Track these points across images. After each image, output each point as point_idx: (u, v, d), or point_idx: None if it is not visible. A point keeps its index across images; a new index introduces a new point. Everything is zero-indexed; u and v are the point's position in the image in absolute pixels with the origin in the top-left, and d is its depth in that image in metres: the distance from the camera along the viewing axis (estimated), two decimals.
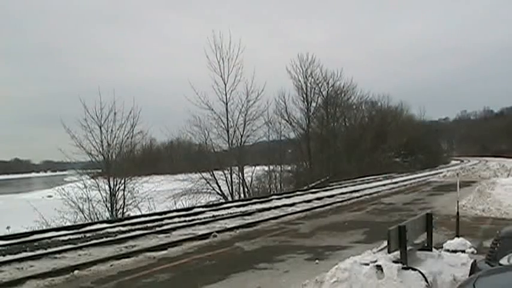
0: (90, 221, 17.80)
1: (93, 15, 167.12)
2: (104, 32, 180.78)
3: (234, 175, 27.57)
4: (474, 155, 79.51)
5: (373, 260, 5.05)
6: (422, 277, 4.65)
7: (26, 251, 9.93)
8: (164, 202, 24.43)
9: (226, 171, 27.40)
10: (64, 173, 51.91)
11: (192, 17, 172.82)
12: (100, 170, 22.81)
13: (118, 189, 21.28)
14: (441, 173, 34.90)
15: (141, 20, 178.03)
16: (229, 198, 25.78)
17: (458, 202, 10.21)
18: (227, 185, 27.16)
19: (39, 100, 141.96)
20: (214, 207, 18.21)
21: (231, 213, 16.14)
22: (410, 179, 32.51)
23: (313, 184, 31.30)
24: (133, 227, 13.27)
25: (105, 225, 13.78)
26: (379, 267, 4.83)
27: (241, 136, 28.71)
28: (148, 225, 13.83)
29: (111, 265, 8.31)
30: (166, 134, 44.51)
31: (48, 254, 9.43)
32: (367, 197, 20.62)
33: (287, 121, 36.28)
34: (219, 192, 27.10)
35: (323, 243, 9.72)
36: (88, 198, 20.20)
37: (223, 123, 27.96)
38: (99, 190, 20.83)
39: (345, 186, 27.79)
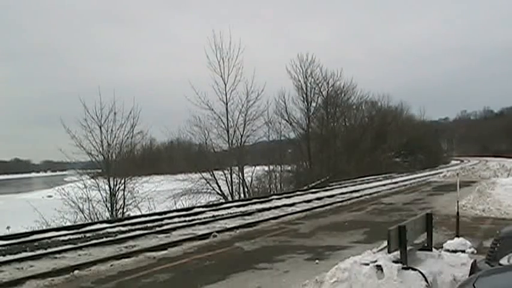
0: (90, 221, 17.80)
1: (93, 15, 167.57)
2: (104, 32, 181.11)
3: (234, 175, 27.57)
4: (474, 155, 79.54)
5: (373, 260, 5.04)
6: (422, 277, 4.65)
7: (26, 251, 9.94)
8: (164, 202, 24.44)
9: (226, 171, 27.40)
10: (64, 173, 52.00)
11: (192, 17, 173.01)
12: (100, 170, 22.80)
13: (118, 189, 21.27)
14: (441, 173, 34.88)
15: (142, 20, 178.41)
16: (229, 198, 25.78)
17: (458, 202, 10.19)
18: (227, 185, 27.15)
19: (39, 100, 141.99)
20: (214, 207, 18.21)
21: (231, 213, 16.14)
22: (410, 179, 32.52)
23: (313, 184, 31.28)
24: (133, 227, 13.27)
25: (105, 225, 13.78)
26: (379, 267, 4.82)
27: (241, 136, 28.76)
28: (148, 225, 13.83)
29: (111, 265, 8.31)
30: (166, 134, 44.35)
31: (48, 254, 9.43)
32: (367, 197, 20.62)
33: (287, 121, 36.33)
34: (219, 192, 27.09)
35: (323, 243, 9.72)
36: (88, 198, 20.20)
37: (223, 123, 28.01)
38: (99, 190, 20.83)
39: (345, 186, 27.80)
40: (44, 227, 15.41)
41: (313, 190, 25.75)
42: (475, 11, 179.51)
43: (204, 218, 15.04)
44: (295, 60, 36.54)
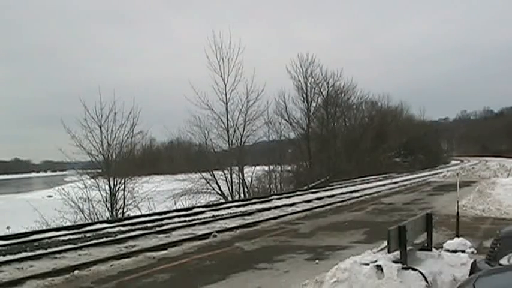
0: (90, 221, 17.80)
1: (93, 15, 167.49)
2: (104, 32, 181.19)
3: (234, 175, 27.57)
4: (474, 155, 79.54)
5: (373, 260, 5.05)
6: (422, 277, 4.65)
7: (26, 251, 9.94)
8: (164, 202, 24.44)
9: (226, 171, 27.40)
10: (64, 173, 52.02)
11: (192, 17, 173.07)
12: (100, 170, 22.80)
13: (118, 189, 21.28)
14: (441, 173, 34.90)
15: (142, 20, 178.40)
16: (229, 198, 25.78)
17: (458, 202, 10.20)
18: (227, 185, 27.15)
19: (39, 100, 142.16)
20: (214, 207, 18.21)
21: (231, 213, 16.14)
22: (410, 179, 32.51)
23: (313, 184, 31.29)
24: (133, 227, 13.27)
25: (105, 225, 13.78)
26: (379, 267, 4.82)
27: (241, 136, 28.76)
28: (148, 225, 13.83)
29: (111, 265, 8.30)
30: (166, 134, 44.64)
31: (48, 254, 9.43)
32: (367, 197, 20.61)
33: (287, 121, 36.34)
34: (219, 192, 27.10)
35: (323, 243, 9.72)
36: (88, 198, 20.20)
37: (223, 123, 28.01)
38: (99, 190, 20.83)
39: (345, 186, 27.79)
40: (44, 227, 15.41)
41: (313, 190, 25.75)
42: (475, 11, 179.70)
43: (204, 218, 15.03)
44: (295, 60, 36.62)
